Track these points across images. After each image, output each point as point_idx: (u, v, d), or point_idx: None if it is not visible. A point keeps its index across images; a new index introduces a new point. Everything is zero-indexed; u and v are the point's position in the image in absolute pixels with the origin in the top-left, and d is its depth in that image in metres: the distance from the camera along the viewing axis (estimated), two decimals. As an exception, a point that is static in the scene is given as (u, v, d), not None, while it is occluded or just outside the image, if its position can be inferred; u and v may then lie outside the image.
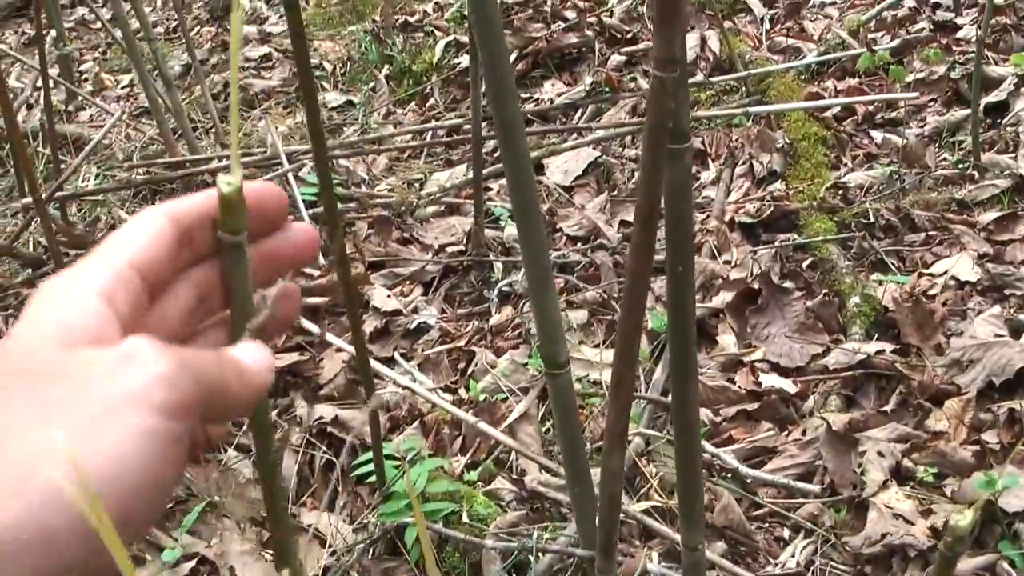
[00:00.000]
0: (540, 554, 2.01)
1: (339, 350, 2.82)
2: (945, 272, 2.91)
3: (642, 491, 2.29)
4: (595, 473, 1.73)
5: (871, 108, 3.71)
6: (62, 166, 3.45)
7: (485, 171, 3.20)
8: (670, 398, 2.41)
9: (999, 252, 2.94)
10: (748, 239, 3.17)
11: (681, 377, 1.55)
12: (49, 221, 2.66)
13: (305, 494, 2.54)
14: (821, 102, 3.69)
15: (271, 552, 2.42)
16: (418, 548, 2.24)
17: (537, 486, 2.27)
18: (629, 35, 4.38)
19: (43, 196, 2.67)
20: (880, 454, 2.35)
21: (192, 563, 2.44)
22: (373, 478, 2.37)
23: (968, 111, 3.42)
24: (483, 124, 2.97)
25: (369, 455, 2.38)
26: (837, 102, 3.68)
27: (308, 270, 3.16)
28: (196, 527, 2.51)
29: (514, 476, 2.37)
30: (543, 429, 2.53)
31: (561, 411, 1.81)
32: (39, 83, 3.95)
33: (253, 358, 0.64)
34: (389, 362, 2.85)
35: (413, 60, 4.58)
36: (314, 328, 2.65)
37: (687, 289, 1.48)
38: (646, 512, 2.20)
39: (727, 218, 3.24)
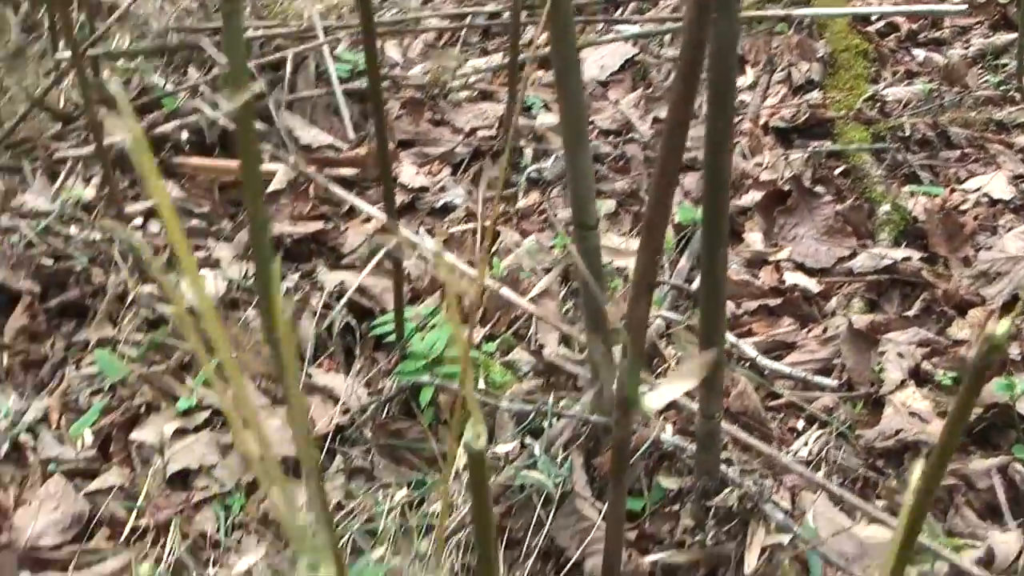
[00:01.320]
0: (554, 420, 2.01)
1: (365, 220, 2.82)
2: (978, 189, 2.88)
3: (659, 370, 2.29)
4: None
5: (914, 26, 3.66)
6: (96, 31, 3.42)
7: (520, 58, 3.16)
8: (696, 283, 2.41)
9: (1034, 173, 2.92)
10: (781, 143, 3.15)
11: (713, 231, 1.54)
12: (84, 72, 2.64)
13: (322, 356, 2.54)
14: (868, 8, 3.65)
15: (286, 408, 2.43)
16: (432, 411, 2.25)
17: (554, 358, 2.26)
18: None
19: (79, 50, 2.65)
20: (900, 355, 2.34)
21: (206, 413, 2.45)
22: (392, 337, 2.37)
23: (1014, 35, 3.38)
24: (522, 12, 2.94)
25: (389, 316, 2.38)
26: (885, 10, 3.63)
27: (338, 143, 3.15)
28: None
29: (532, 348, 2.37)
30: (563, 308, 2.53)
31: (588, 272, 1.81)
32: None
33: None
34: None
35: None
36: (343, 193, 2.63)
37: (723, 147, 1.47)
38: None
39: (761, 122, 3.22)
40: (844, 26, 3.54)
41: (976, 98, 3.27)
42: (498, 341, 2.42)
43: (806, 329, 2.51)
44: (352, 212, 2.92)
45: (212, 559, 2.21)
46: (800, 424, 2.28)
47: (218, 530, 2.26)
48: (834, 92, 3.30)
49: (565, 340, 2.39)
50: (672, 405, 2.07)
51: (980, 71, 3.42)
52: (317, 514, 0.53)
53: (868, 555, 1.95)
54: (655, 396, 1.22)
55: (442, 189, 3.03)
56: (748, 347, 2.39)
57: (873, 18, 3.70)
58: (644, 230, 1.40)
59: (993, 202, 2.83)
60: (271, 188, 2.94)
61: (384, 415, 2.31)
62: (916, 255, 2.64)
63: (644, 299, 1.43)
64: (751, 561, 1.78)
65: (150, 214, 2.92)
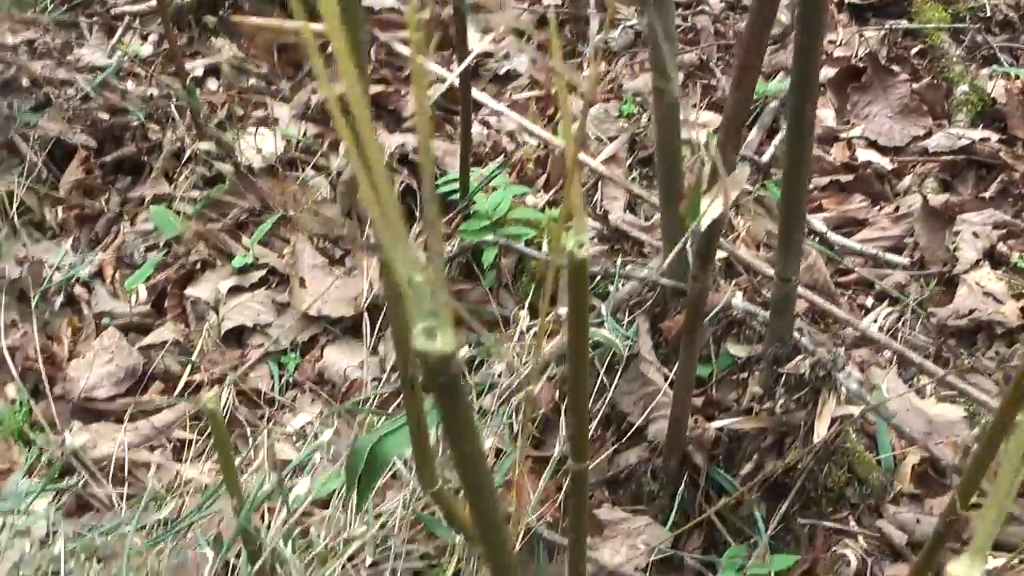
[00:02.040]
0: (621, 284, 1.96)
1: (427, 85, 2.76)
2: (1062, 72, 2.79)
3: (729, 239, 2.23)
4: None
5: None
6: None
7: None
8: (766, 156, 2.34)
9: (1120, 56, 2.82)
10: (856, 21, 3.04)
11: (801, 86, 1.47)
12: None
13: (381, 219, 2.49)
14: None
15: (341, 267, 2.40)
16: (493, 273, 2.21)
17: (621, 224, 2.21)
18: None
19: None
20: (975, 235, 2.28)
21: (262, 272, 2.42)
22: (454, 197, 2.32)
23: (1104, -85, 3.25)
24: None
25: (452, 175, 2.33)
26: None
27: (398, 6, 3.07)
28: (268, 239, 2.49)
29: (597, 214, 2.31)
30: (630, 177, 2.46)
31: (664, 134, 1.75)
32: None
33: None
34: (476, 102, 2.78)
35: None
36: (406, 51, 2.56)
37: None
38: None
39: (836, -1, 3.12)
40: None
41: (1061, -20, 3.15)
42: (562, 207, 2.37)
43: (878, 207, 2.44)
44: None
45: (266, 416, 2.19)
46: (870, 301, 2.22)
47: (272, 388, 2.24)
48: (912, -30, 3.18)
49: (631, 207, 2.33)
50: (743, 270, 2.01)
51: (1066, -47, 3.29)
52: (430, 273, 0.48)
53: (937, 432, 1.91)
54: (706, 216, 1.20)
55: (506, 56, 2.96)
56: (818, 222, 2.33)
57: None
58: (737, 71, 1.33)
59: (1076, 86, 2.73)
60: (331, 50, 2.87)
61: (446, 275, 2.27)
62: (994, 136, 2.56)
63: (734, 141, 1.37)
64: (820, 430, 1.73)
65: (208, 71, 2.87)
